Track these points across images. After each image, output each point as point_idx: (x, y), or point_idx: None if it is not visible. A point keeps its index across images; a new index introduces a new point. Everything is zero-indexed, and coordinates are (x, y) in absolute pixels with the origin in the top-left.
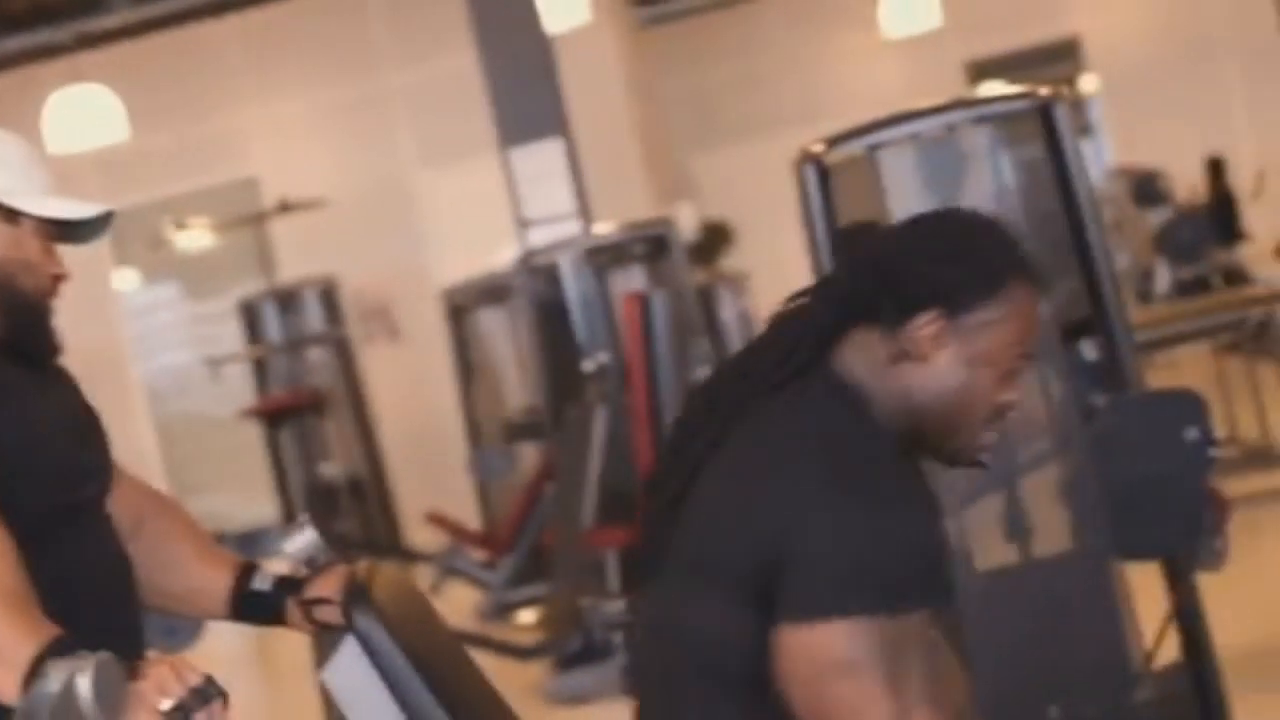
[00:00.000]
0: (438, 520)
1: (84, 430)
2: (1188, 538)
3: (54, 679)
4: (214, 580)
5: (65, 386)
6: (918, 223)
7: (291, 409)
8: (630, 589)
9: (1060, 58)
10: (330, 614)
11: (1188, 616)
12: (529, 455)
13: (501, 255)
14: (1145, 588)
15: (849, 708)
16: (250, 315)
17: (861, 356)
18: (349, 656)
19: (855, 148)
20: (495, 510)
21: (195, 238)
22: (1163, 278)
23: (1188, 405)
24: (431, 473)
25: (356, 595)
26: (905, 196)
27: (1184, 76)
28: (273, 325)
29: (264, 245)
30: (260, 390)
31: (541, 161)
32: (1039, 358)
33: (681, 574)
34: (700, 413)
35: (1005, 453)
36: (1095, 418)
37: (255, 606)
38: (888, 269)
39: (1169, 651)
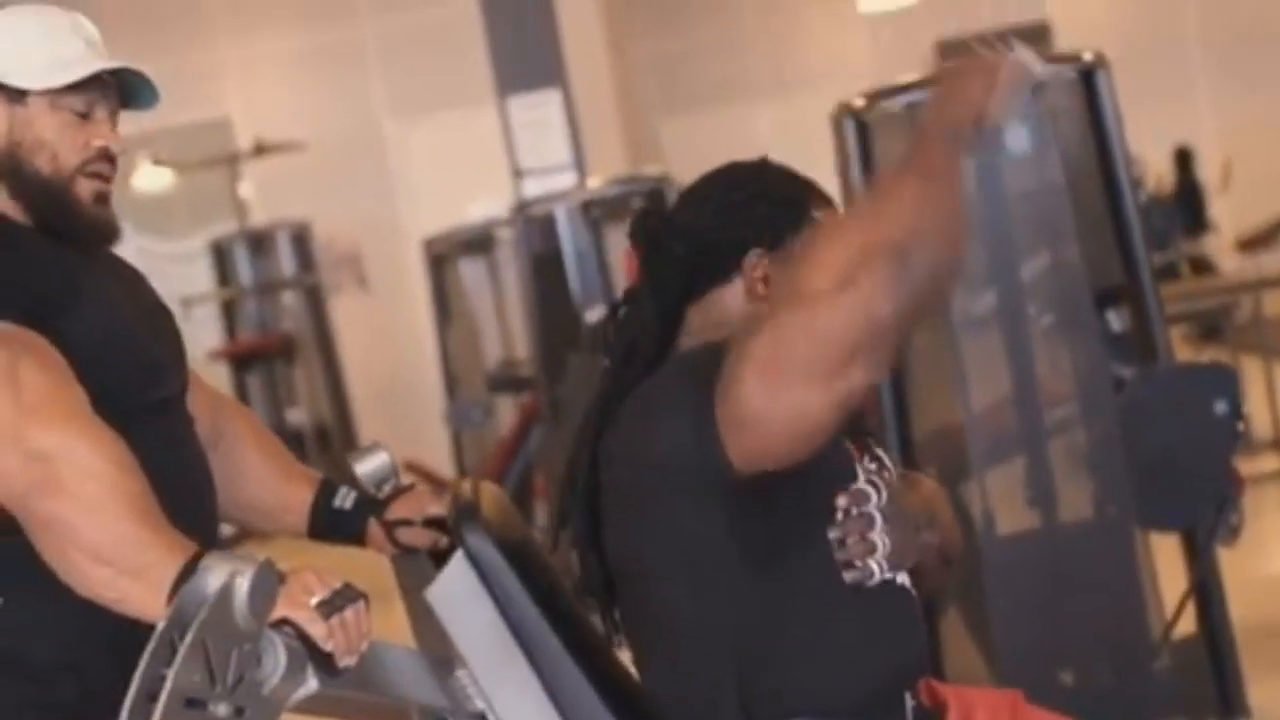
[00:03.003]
0: (415, 469)
1: (160, 326)
2: (1211, 511)
3: (214, 578)
4: (294, 496)
5: (136, 281)
6: (701, 187)
7: (260, 353)
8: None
9: (1030, 41)
10: (412, 536)
11: (1206, 589)
12: (505, 408)
13: (479, 206)
14: (1167, 560)
15: (793, 351)
16: (221, 256)
17: (700, 333)
18: (459, 575)
19: (893, 105)
20: (469, 461)
21: (164, 176)
22: None
23: (1218, 378)
24: (401, 423)
25: (466, 513)
26: None
27: (1152, 66)
28: (244, 268)
29: (235, 187)
30: (229, 333)
31: (539, 110)
32: (1069, 323)
33: (620, 516)
34: (578, 439)
35: (1030, 418)
36: (1123, 388)
37: (335, 525)
38: (698, 233)
39: (1186, 624)
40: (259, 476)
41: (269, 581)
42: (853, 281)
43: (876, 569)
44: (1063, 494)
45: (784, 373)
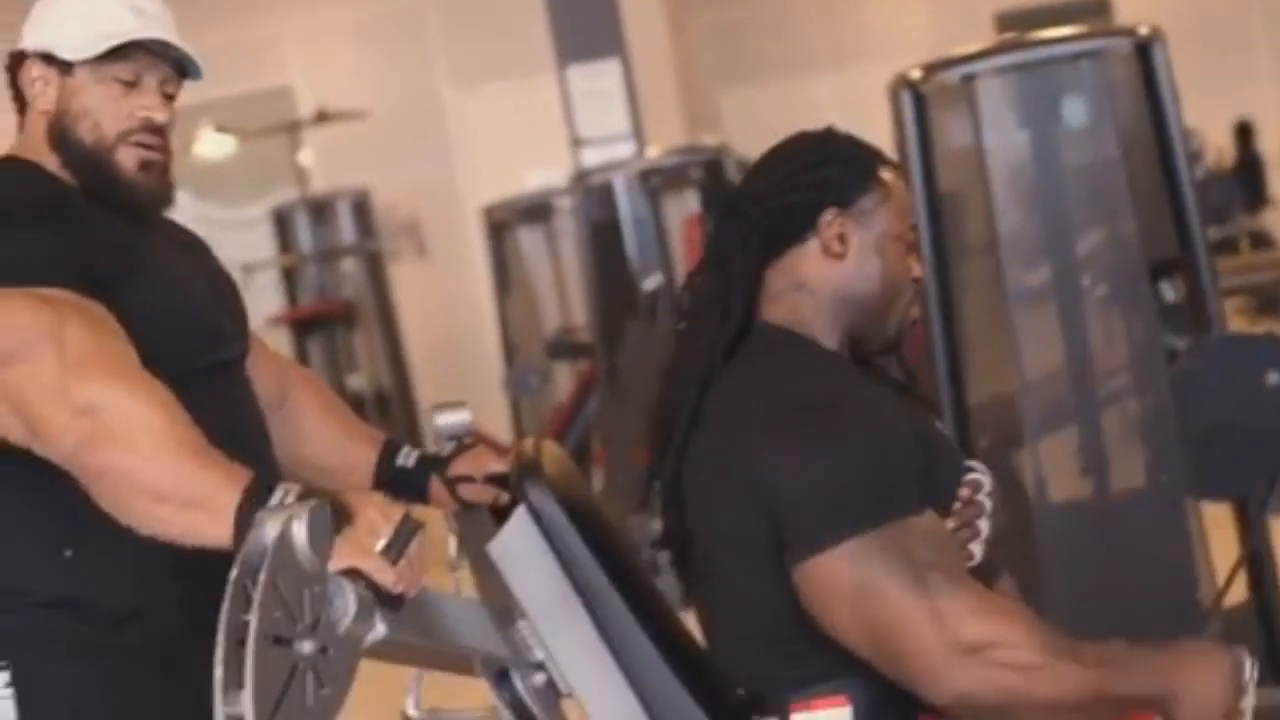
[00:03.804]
0: (474, 435)
1: (220, 292)
2: (1263, 480)
3: (270, 528)
4: (358, 455)
5: (196, 248)
6: (771, 154)
7: (321, 319)
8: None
9: (1090, 15)
10: (474, 492)
11: (1257, 558)
12: (563, 375)
13: (538, 175)
14: (1219, 529)
15: (888, 624)
16: (282, 224)
17: (784, 297)
18: (520, 529)
19: (950, 77)
20: (527, 428)
21: (226, 144)
22: None
23: (1271, 349)
24: (459, 389)
25: (529, 468)
26: (1000, 127)
27: (1214, 39)
28: (304, 235)
29: (296, 155)
30: (290, 300)
31: (598, 80)
32: (1123, 295)
33: (706, 552)
34: (675, 393)
35: (1083, 388)
36: (1176, 359)
37: (399, 483)
38: (773, 197)
39: (1237, 592)
40: (323, 437)
41: (323, 521)
42: (971, 663)
43: (977, 554)
44: (1115, 463)
45: (861, 625)
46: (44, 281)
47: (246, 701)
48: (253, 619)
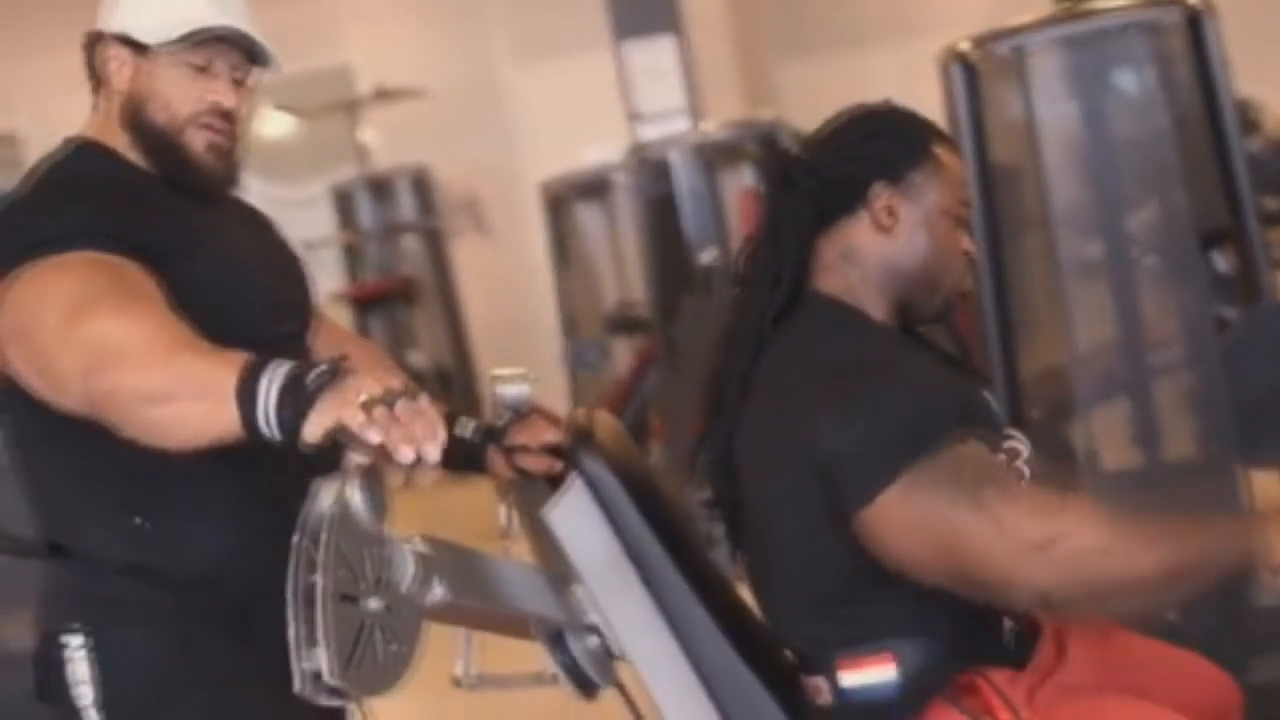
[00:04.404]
0: (534, 409)
1: (283, 268)
2: None
3: (325, 495)
4: None
5: (261, 226)
6: (828, 127)
7: (382, 296)
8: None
9: None
10: (530, 461)
11: None
12: (621, 349)
13: (595, 151)
14: (1269, 497)
15: (955, 546)
16: (343, 201)
17: (834, 268)
18: (575, 496)
19: (1001, 49)
20: (586, 403)
21: (286, 122)
22: None
23: None
24: (519, 364)
25: (582, 437)
26: (1052, 99)
27: (1276, 5)
28: (365, 212)
29: (356, 133)
30: (352, 276)
31: (655, 56)
32: (1175, 266)
33: (760, 510)
34: (726, 362)
35: (1135, 358)
36: (1227, 328)
37: (457, 452)
38: (826, 169)
39: None
40: None
41: (374, 484)
42: (1046, 558)
43: None
44: (1166, 433)
45: (935, 553)
46: (80, 249)
47: (322, 657)
48: (319, 578)
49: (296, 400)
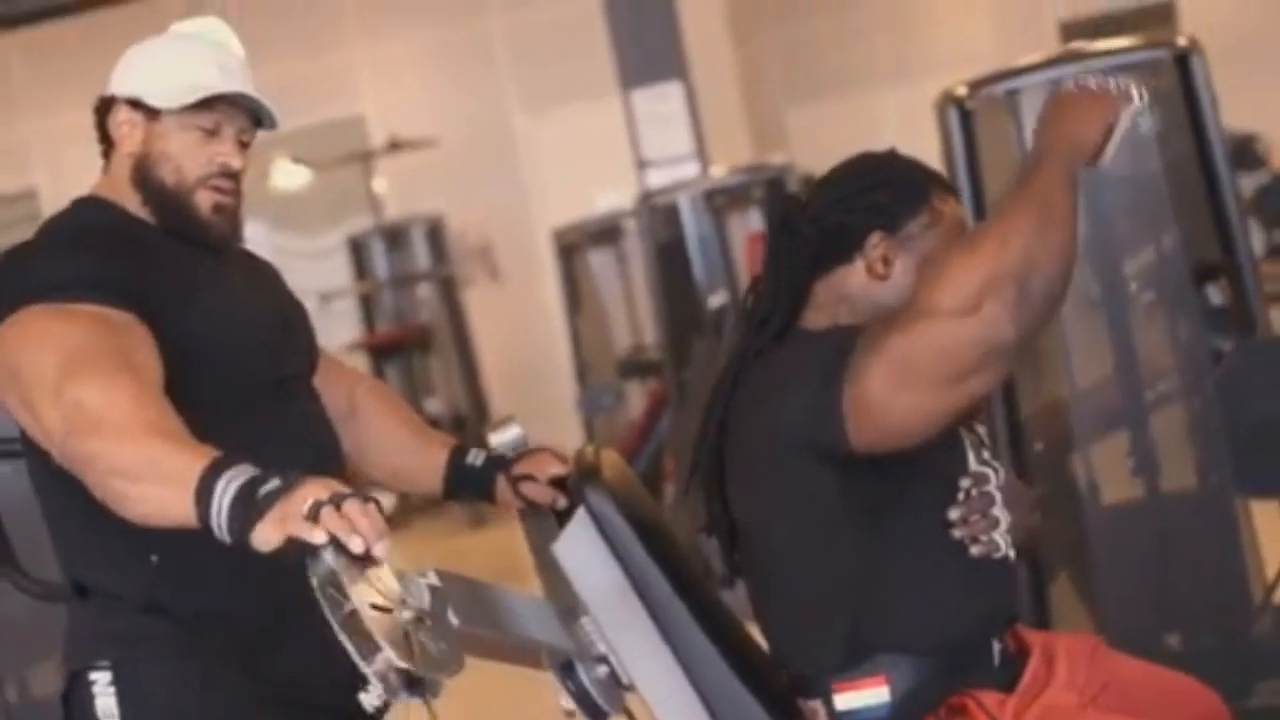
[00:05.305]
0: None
1: (285, 315)
2: None
3: (326, 554)
4: (429, 457)
5: (263, 274)
6: (830, 174)
7: (398, 344)
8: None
9: (1155, 21)
10: (535, 491)
11: None
12: (635, 393)
13: (606, 197)
14: (1267, 526)
15: (922, 358)
16: (358, 251)
17: (824, 307)
18: (581, 531)
19: (996, 92)
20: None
21: (300, 174)
22: (1257, 241)
23: None
24: (534, 409)
25: (588, 473)
26: None
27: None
28: (380, 262)
29: (370, 183)
30: (367, 325)
31: (661, 103)
32: (1171, 300)
33: (745, 488)
34: (712, 396)
35: (1132, 391)
36: (1223, 360)
37: (467, 482)
38: (825, 216)
39: None
40: (396, 444)
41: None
42: (979, 308)
43: (1002, 543)
44: (1165, 464)
45: (908, 376)
46: (80, 299)
47: (387, 653)
48: (354, 599)
49: (245, 512)
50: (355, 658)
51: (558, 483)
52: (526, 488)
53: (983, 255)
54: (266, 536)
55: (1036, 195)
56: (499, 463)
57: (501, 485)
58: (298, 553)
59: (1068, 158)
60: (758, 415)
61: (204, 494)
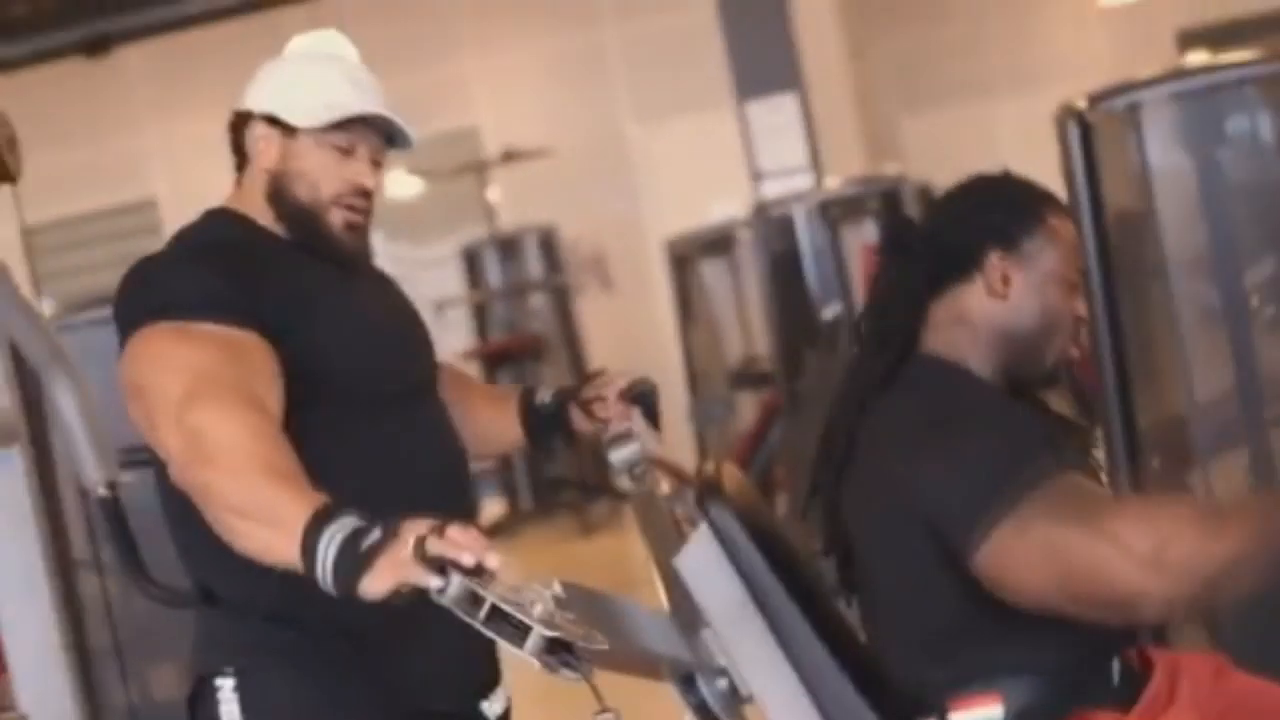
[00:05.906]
0: (661, 465)
1: (406, 326)
2: None
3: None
4: (504, 410)
5: (384, 286)
6: (946, 196)
7: (510, 353)
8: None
9: (1274, 29)
10: (606, 409)
11: None
12: (746, 403)
13: (719, 208)
14: None
15: (1077, 570)
16: (472, 261)
17: (944, 329)
18: (703, 545)
19: (1116, 105)
20: (713, 456)
21: (416, 185)
22: None
23: None
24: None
25: (710, 488)
26: (1167, 153)
27: None
28: (493, 271)
29: (484, 193)
30: (481, 334)
31: (776, 115)
32: None
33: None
34: (835, 420)
35: (1253, 407)
36: None
37: (543, 422)
38: (941, 235)
39: None
40: (473, 409)
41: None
42: (1160, 570)
43: None
44: None
45: (1054, 568)
46: (203, 318)
47: (536, 634)
48: (489, 597)
49: (351, 568)
50: (509, 647)
51: (625, 395)
52: (598, 408)
53: (1197, 533)
54: (375, 588)
55: (1264, 534)
56: (568, 394)
57: (574, 412)
58: (409, 595)
59: None
60: (889, 458)
61: (309, 549)
